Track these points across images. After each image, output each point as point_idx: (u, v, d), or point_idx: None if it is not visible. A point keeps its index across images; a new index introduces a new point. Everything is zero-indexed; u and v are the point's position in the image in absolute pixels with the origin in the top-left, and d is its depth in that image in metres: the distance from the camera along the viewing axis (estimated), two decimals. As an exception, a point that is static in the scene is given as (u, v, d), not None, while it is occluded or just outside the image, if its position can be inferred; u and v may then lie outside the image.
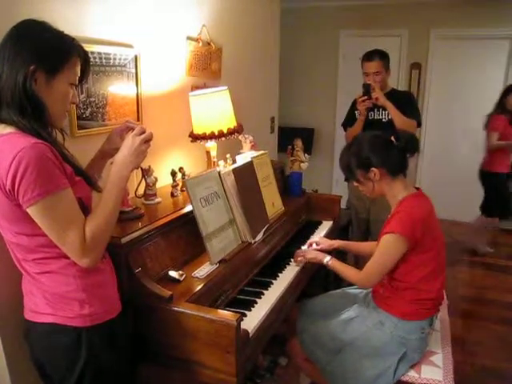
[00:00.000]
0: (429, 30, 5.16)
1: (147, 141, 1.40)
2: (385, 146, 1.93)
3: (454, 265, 4.23)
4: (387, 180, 1.94)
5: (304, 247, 2.40)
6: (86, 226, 1.25)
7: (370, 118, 3.11)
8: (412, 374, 1.90)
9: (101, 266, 1.37)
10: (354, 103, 3.18)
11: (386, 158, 1.91)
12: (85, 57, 1.34)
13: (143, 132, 1.40)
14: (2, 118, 1.20)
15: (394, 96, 3.03)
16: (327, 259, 2.11)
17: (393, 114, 2.94)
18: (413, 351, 1.92)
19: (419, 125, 3.08)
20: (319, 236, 2.49)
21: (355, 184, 2.06)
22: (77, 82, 1.33)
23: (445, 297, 2.22)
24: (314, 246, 2.37)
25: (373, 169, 1.91)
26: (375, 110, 3.10)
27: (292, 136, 3.03)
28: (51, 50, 1.23)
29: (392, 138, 1.93)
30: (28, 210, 1.17)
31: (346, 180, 3.33)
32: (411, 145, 1.93)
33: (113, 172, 1.35)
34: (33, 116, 1.20)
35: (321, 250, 2.27)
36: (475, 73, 5.17)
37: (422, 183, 5.46)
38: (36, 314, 1.33)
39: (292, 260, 2.27)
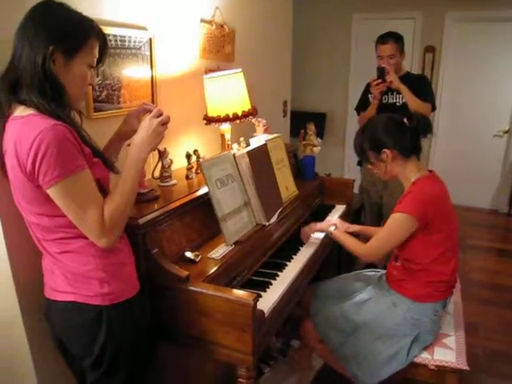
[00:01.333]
0: (444, 12, 5.05)
1: (164, 123, 1.41)
2: (398, 127, 1.93)
3: (466, 250, 4.21)
4: (399, 161, 1.94)
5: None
6: (105, 207, 1.26)
7: (384, 101, 3.09)
8: (425, 356, 1.91)
9: (119, 246, 1.39)
10: (368, 87, 3.16)
11: (398, 139, 1.91)
12: (103, 39, 1.34)
13: (160, 114, 1.41)
14: (21, 99, 1.21)
15: (408, 79, 3.00)
16: (332, 228, 2.16)
17: (407, 97, 2.92)
18: (426, 333, 1.93)
19: (434, 108, 3.05)
20: (337, 218, 2.50)
21: (369, 167, 2.06)
22: (95, 64, 1.34)
23: (458, 280, 2.22)
24: (331, 228, 2.37)
25: (385, 150, 1.92)
26: (389, 94, 3.07)
27: (304, 120, 3.01)
28: (70, 32, 1.24)
29: (405, 120, 1.93)
30: (48, 191, 1.18)
31: (359, 164, 3.33)
32: (423, 125, 1.92)
33: (130, 154, 1.36)
34: (52, 97, 1.21)
35: None
36: (492, 56, 5.06)
37: (435, 168, 5.40)
38: (56, 292, 1.36)
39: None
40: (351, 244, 2.06)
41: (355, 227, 2.36)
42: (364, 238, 2.01)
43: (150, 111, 1.44)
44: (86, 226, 1.24)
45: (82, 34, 1.26)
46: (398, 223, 1.88)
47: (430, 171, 2.00)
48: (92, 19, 1.30)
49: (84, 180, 1.22)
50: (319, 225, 2.26)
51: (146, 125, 1.38)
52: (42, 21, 1.20)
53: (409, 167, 1.95)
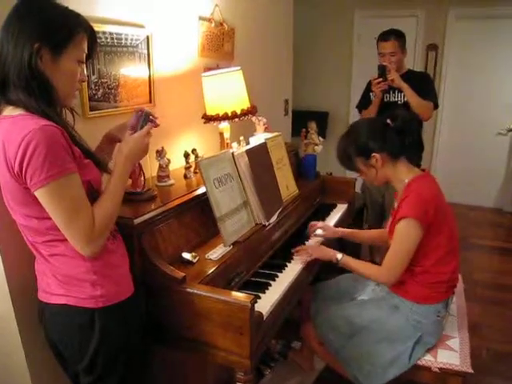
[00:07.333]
0: (447, 10, 5.00)
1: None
2: (382, 129, 1.87)
3: (469, 249, 4.17)
4: (390, 164, 1.89)
5: (309, 242, 2.30)
6: (96, 212, 1.23)
7: (386, 100, 3.06)
8: (428, 358, 1.88)
9: (112, 248, 1.36)
10: (369, 85, 3.12)
11: (385, 141, 1.85)
12: (91, 32, 1.30)
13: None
14: (10, 99, 1.18)
15: (410, 77, 2.97)
16: (339, 256, 2.01)
17: (409, 95, 2.88)
18: (428, 335, 1.90)
19: (436, 106, 3.01)
20: (322, 222, 2.43)
21: (358, 174, 2.00)
22: (84, 59, 1.30)
23: (461, 280, 2.17)
24: (318, 231, 2.34)
25: (374, 154, 1.86)
26: (391, 92, 3.04)
27: (305, 120, 2.98)
28: (56, 27, 1.19)
29: (388, 120, 1.87)
30: (35, 193, 1.15)
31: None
32: (409, 124, 1.86)
33: (118, 163, 1.35)
34: (41, 96, 1.18)
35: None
36: (495, 54, 5.00)
37: (437, 168, 5.39)
38: (49, 294, 1.33)
39: (306, 243, 2.24)
40: (366, 270, 1.94)
41: (343, 231, 2.31)
42: (377, 253, 1.94)
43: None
44: (74, 231, 1.20)
45: (69, 29, 1.21)
46: (405, 231, 1.80)
47: (423, 170, 1.96)
48: (78, 13, 1.25)
49: (73, 184, 1.18)
50: (321, 252, 2.09)
51: (135, 139, 1.39)
52: (26, 17, 1.16)
53: (400, 168, 1.90)
